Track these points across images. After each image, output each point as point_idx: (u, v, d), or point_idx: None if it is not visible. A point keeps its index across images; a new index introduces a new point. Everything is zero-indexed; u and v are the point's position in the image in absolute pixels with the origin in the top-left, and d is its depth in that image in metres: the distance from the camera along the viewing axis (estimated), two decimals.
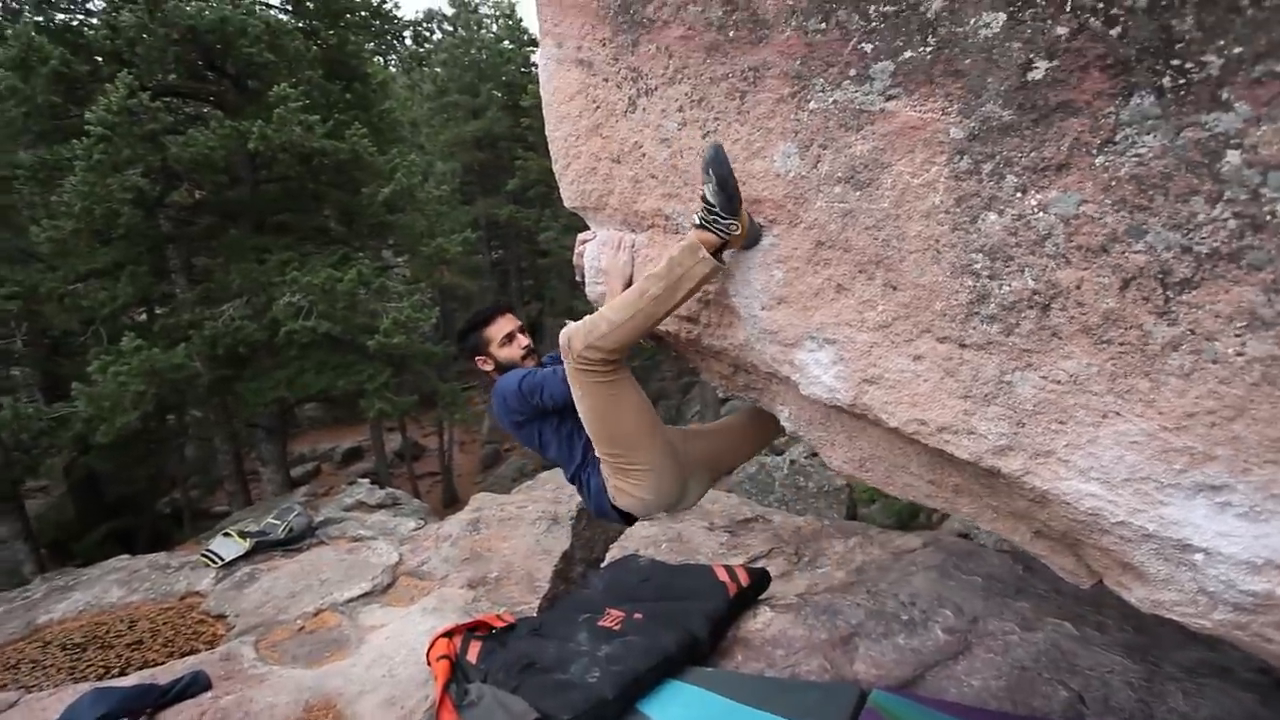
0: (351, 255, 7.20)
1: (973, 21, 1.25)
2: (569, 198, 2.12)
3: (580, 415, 1.84)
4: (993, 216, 1.21)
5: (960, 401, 1.24)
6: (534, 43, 16.72)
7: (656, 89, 1.78)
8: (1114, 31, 1.11)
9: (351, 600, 3.74)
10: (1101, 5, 1.12)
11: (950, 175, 1.26)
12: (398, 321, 6.41)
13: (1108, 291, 1.10)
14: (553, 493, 5.12)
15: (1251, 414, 0.98)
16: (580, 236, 2.17)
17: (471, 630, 2.88)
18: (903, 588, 3.09)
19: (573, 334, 1.73)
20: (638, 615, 3.01)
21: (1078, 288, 1.12)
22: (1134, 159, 1.09)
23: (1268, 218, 0.98)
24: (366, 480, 6.16)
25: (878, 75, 1.37)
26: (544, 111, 2.13)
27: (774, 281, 1.52)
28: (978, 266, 1.22)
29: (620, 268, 1.96)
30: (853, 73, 1.40)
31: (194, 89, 8.48)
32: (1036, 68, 1.18)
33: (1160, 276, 1.06)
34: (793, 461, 8.28)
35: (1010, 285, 1.19)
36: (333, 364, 7.32)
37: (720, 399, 11.22)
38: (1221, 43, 1.02)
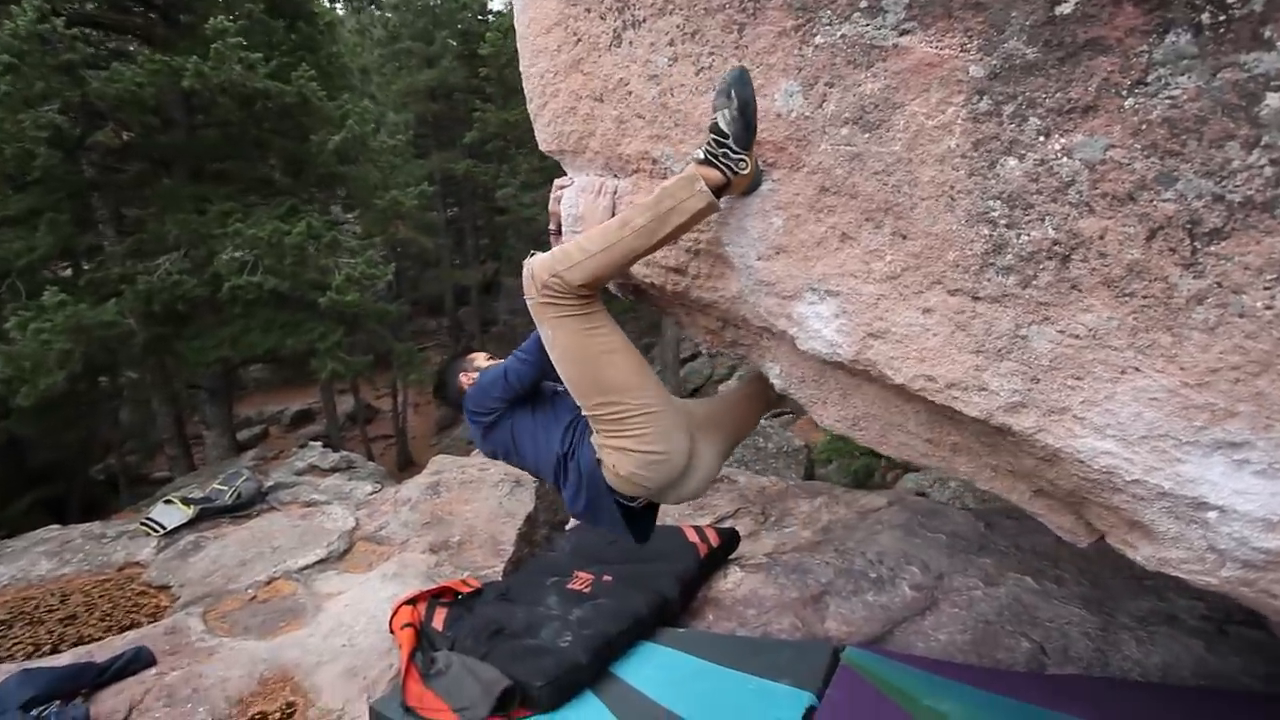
0: (300, 207, 6.74)
1: None
2: (545, 140, 1.97)
3: (556, 366, 1.64)
4: (1013, 162, 1.14)
5: (972, 356, 1.18)
6: None
7: (645, 20, 1.64)
8: None
9: (307, 567, 3.60)
10: None
11: (968, 117, 1.18)
12: (351, 278, 6.05)
13: (1133, 242, 1.05)
14: None
15: (1278, 369, 0.95)
16: (557, 182, 2.03)
17: (436, 596, 2.79)
18: (870, 546, 3.13)
19: (536, 263, 1.55)
20: (607, 578, 2.97)
21: (1101, 238, 1.07)
22: (1167, 101, 1.03)
23: None
24: (319, 444, 5.93)
25: (891, 7, 1.26)
26: (518, 45, 1.96)
27: (772, 229, 1.43)
28: (995, 214, 1.16)
29: (600, 214, 1.83)
30: (864, 4, 1.30)
31: (116, 21, 7.72)
32: (1065, 1, 1.10)
33: (1189, 226, 1.01)
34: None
35: (1029, 235, 1.13)
36: (280, 322, 6.93)
37: (679, 361, 11.15)
38: None
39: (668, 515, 3.98)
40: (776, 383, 1.70)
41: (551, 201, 2.03)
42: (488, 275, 14.59)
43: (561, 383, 1.70)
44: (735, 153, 1.35)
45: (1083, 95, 1.09)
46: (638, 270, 1.78)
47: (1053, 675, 2.10)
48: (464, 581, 2.96)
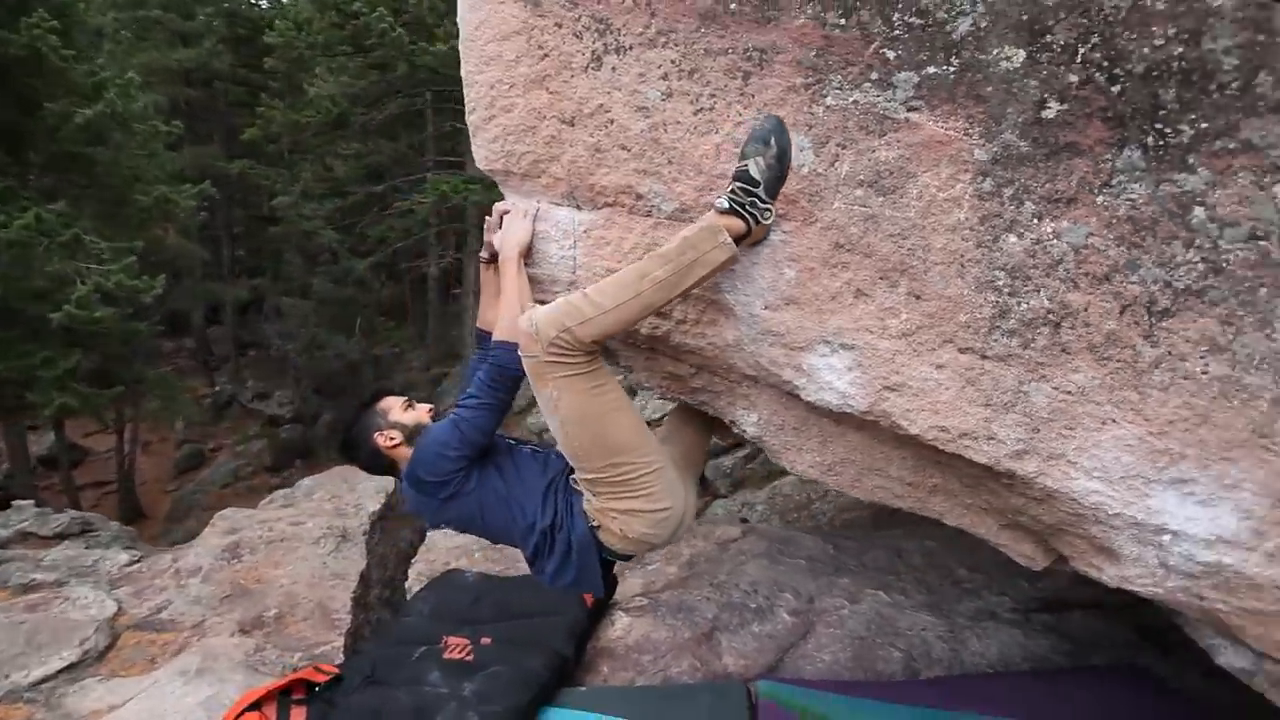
0: (19, 192, 5.03)
1: (995, 52, 1.33)
2: (487, 156, 1.76)
3: (560, 430, 1.49)
4: (1013, 238, 1.31)
5: (981, 409, 1.32)
6: None
7: (632, 48, 1.57)
8: (1115, 89, 1.27)
9: (47, 679, 2.64)
10: (1106, 63, 1.28)
11: (975, 194, 1.33)
12: (103, 290, 4.61)
13: (1109, 315, 1.26)
14: (330, 502, 4.32)
15: (1212, 421, 1.21)
16: (497, 207, 1.82)
17: (285, 693, 2.24)
18: (741, 577, 3.27)
19: (541, 319, 1.41)
20: (485, 640, 2.68)
21: (1085, 310, 1.27)
22: (1128, 202, 1.27)
23: (1224, 264, 1.22)
24: (30, 502, 4.39)
25: (900, 84, 1.38)
26: (461, 47, 1.74)
27: (784, 280, 1.44)
28: (1000, 283, 1.31)
29: (518, 235, 1.67)
30: (874, 76, 1.40)
31: None
32: (1050, 107, 1.30)
33: (1148, 305, 1.25)
34: None
35: (1028, 303, 1.30)
36: None
37: None
38: (1193, 116, 1.24)
39: (523, 561, 3.73)
40: (749, 430, 1.70)
41: (488, 228, 1.82)
42: (252, 292, 12.49)
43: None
44: (763, 202, 1.35)
45: (1066, 188, 1.29)
46: None
47: (937, 678, 2.39)
48: (315, 668, 2.41)
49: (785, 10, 1.45)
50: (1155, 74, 1.25)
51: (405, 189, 9.25)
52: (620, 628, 2.89)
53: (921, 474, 1.52)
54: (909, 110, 1.38)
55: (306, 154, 10.63)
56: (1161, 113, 1.25)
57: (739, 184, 1.35)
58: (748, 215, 1.35)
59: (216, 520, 3.98)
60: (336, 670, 2.41)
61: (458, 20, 1.74)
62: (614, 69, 1.59)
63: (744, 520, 6.04)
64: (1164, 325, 1.24)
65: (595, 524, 1.61)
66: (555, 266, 1.72)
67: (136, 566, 3.65)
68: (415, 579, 3.65)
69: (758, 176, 1.34)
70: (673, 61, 1.54)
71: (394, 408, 1.77)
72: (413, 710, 2.15)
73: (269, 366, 12.79)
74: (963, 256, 1.33)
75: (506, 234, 1.70)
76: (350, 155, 10.64)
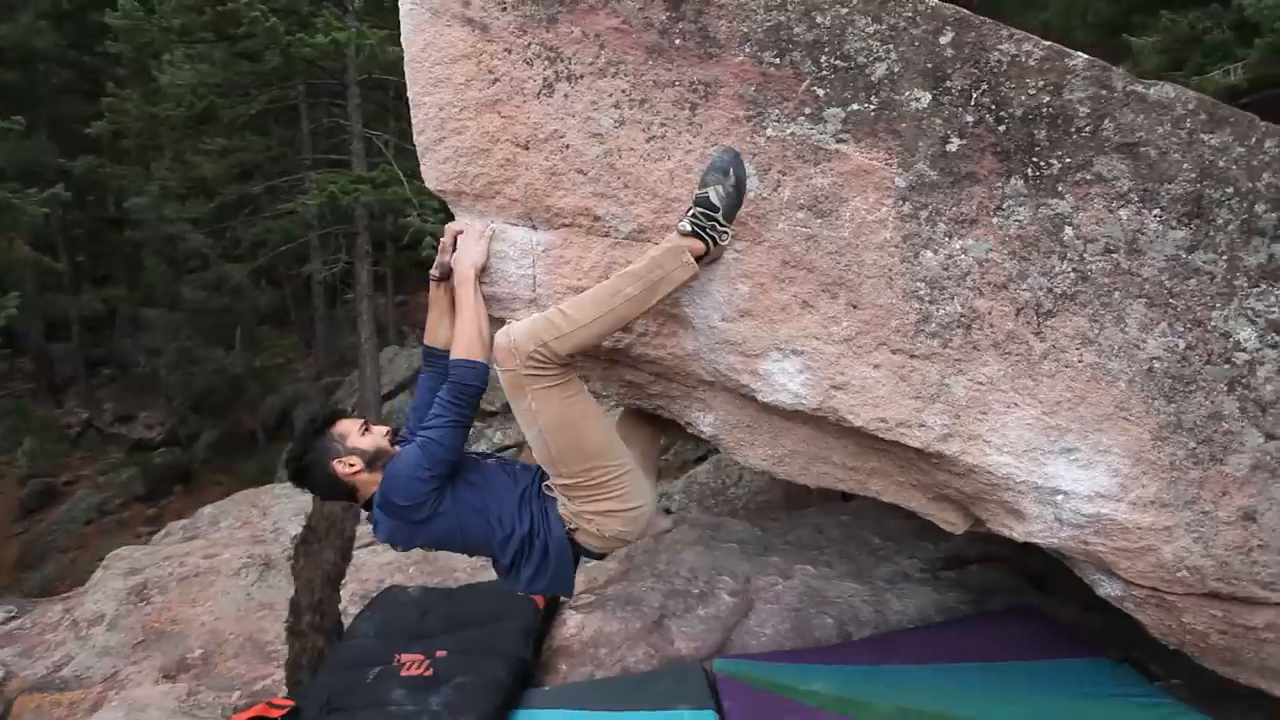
0: None
1: (906, 94, 1.54)
2: (438, 177, 1.77)
3: (539, 438, 1.56)
4: (930, 254, 1.53)
5: (913, 401, 1.53)
6: None
7: (583, 77, 1.65)
8: (1001, 128, 1.52)
9: None
10: (994, 107, 1.52)
11: (897, 216, 1.54)
12: None
13: (1008, 317, 1.51)
14: (243, 529, 4.04)
15: (1088, 400, 1.49)
16: (449, 227, 1.84)
17: None
18: (679, 565, 3.45)
19: (518, 334, 1.48)
20: (441, 653, 2.68)
21: (989, 313, 1.52)
22: (1016, 222, 1.52)
23: (1089, 273, 1.50)
24: None
25: (830, 119, 1.57)
26: (407, 68, 1.74)
27: (738, 295, 1.59)
28: (922, 293, 1.53)
29: (474, 255, 1.71)
30: (807, 111, 1.57)
31: None
32: (952, 142, 1.54)
33: (1036, 307, 1.51)
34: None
35: (945, 309, 1.52)
36: None
37: (379, 399, 10.25)
38: (1059, 152, 1.51)
39: (458, 571, 3.71)
40: (706, 430, 1.85)
41: (442, 248, 1.83)
42: (83, 309, 10.98)
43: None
44: (722, 225, 1.48)
45: (969, 211, 1.53)
46: None
47: (868, 638, 2.67)
48: (268, 704, 2.31)
49: (725, 48, 1.59)
50: (1030, 117, 1.51)
51: (286, 189, 8.62)
52: (573, 625, 2.98)
53: (861, 459, 1.73)
54: (838, 142, 1.56)
55: (162, 150, 9.59)
56: (1036, 149, 1.52)
57: (700, 209, 1.48)
58: (708, 238, 1.48)
59: (110, 561, 3.62)
60: (291, 703, 2.32)
61: (402, 41, 1.74)
62: (566, 96, 1.66)
63: (667, 511, 6.27)
64: (1049, 324, 1.51)
65: (572, 527, 1.68)
66: (515, 285, 1.78)
67: (17, 623, 3.26)
68: (350, 600, 3.53)
69: (717, 203, 1.47)
70: (623, 91, 1.64)
71: (351, 432, 1.71)
72: None
73: (130, 386, 11.46)
74: (890, 270, 1.53)
75: (462, 254, 1.73)
76: (215, 152, 9.75)
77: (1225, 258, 1.47)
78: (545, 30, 1.66)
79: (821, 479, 1.80)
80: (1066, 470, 1.50)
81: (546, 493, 1.72)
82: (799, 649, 2.65)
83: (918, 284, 1.53)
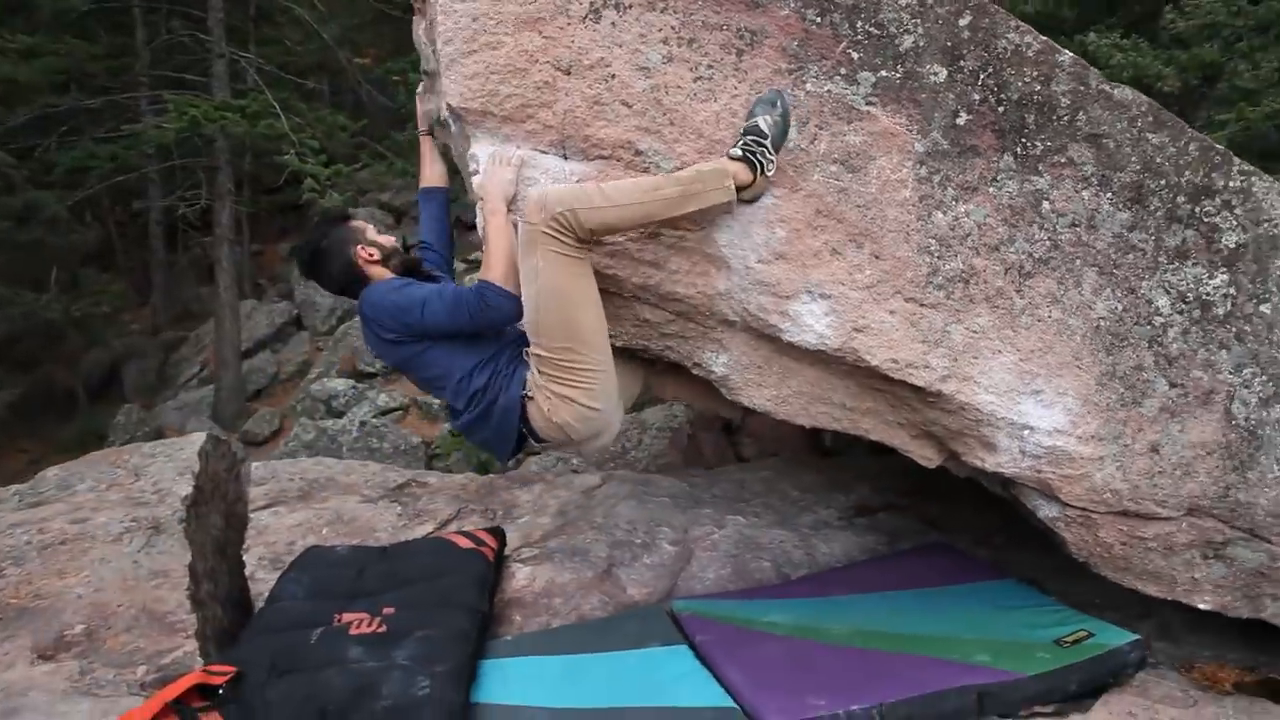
0: None
1: (928, 67, 1.70)
2: (463, 93, 1.67)
3: (533, 300, 1.61)
4: (940, 215, 1.71)
5: (920, 345, 1.71)
6: None
7: (632, 8, 1.64)
8: (1000, 109, 1.74)
9: None
10: (997, 89, 1.73)
11: (915, 178, 1.70)
12: None
13: (998, 275, 1.74)
14: (110, 491, 3.48)
15: (1053, 350, 1.76)
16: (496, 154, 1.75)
17: (181, 704, 1.87)
18: (617, 519, 3.52)
19: (551, 193, 1.54)
20: (388, 610, 2.54)
21: (984, 271, 1.73)
22: (1007, 193, 1.75)
23: (1060, 242, 1.76)
24: None
25: (862, 82, 1.69)
26: None
27: (775, 239, 1.67)
28: (932, 249, 1.71)
29: (503, 185, 1.69)
30: (843, 71, 1.68)
31: None
32: (961, 116, 1.72)
33: (1019, 268, 1.75)
34: (362, 423, 7.69)
35: (950, 265, 1.72)
36: None
37: (239, 355, 9.17)
38: (1043, 136, 1.76)
39: (378, 531, 3.50)
40: (717, 370, 1.92)
41: (419, 99, 2.10)
42: None
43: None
44: (770, 154, 1.55)
45: (972, 180, 1.73)
46: (601, 260, 1.73)
47: (804, 576, 2.91)
48: (206, 671, 2.03)
49: None
50: (1024, 102, 1.74)
51: (129, 107, 7.32)
52: (524, 577, 2.95)
53: (859, 400, 1.90)
54: (868, 104, 1.69)
55: None
56: (1025, 131, 1.75)
57: (750, 136, 1.55)
58: (756, 162, 1.55)
59: None
60: (232, 669, 2.08)
61: None
62: (614, 24, 1.63)
63: (575, 472, 6.29)
64: (1028, 284, 1.76)
65: (529, 394, 1.76)
66: None
67: None
68: (258, 566, 3.20)
69: (766, 130, 1.54)
70: (672, 28, 1.64)
71: (368, 228, 1.88)
72: (354, 689, 2.00)
73: None
74: (908, 226, 1.70)
75: (492, 181, 1.66)
76: (18, 51, 8.03)
77: (1153, 238, 1.80)
78: None
79: (818, 418, 1.95)
80: (1033, 409, 1.77)
81: (524, 357, 1.80)
82: (746, 588, 2.84)
83: (930, 240, 1.71)
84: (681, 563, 3.12)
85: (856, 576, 2.76)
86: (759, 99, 1.58)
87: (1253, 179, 1.82)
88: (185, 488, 3.46)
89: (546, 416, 1.76)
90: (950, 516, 3.48)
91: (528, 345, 1.77)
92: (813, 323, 1.70)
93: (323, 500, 3.70)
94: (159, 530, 3.10)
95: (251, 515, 3.55)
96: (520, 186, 1.70)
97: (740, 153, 1.55)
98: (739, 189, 1.57)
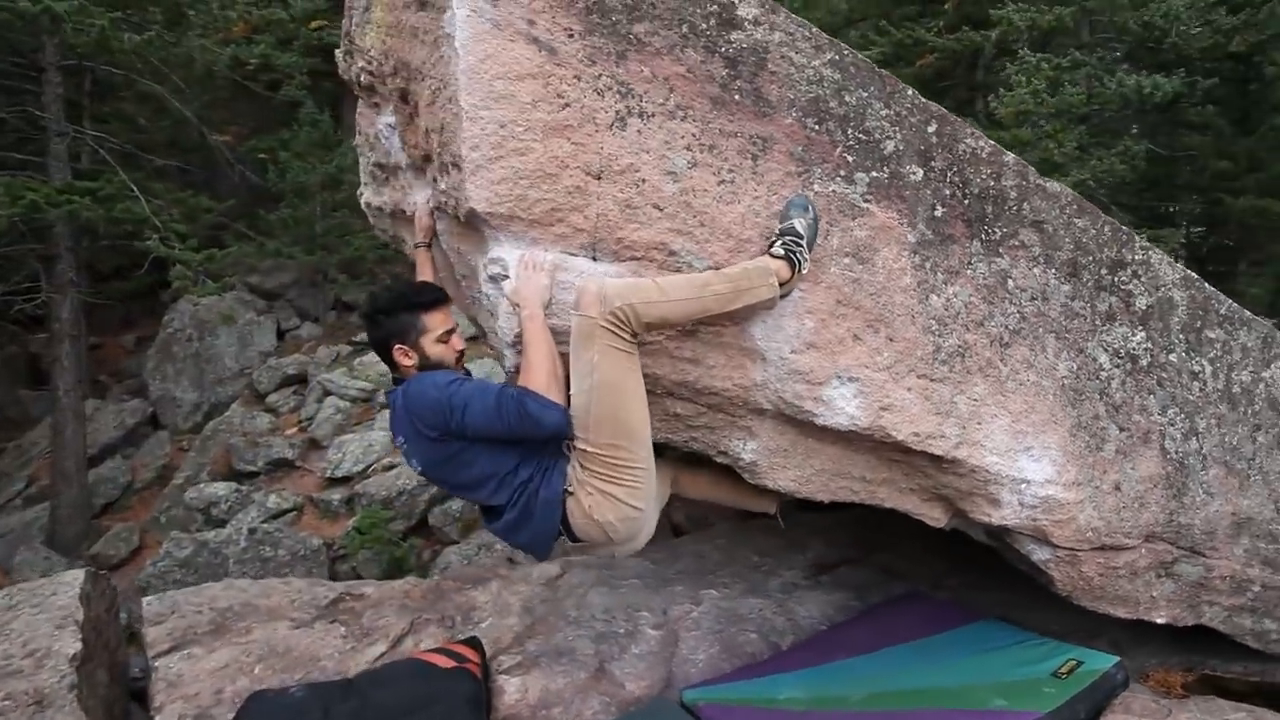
0: None
1: (908, 167, 1.92)
2: (489, 198, 1.62)
3: (588, 392, 1.58)
4: (935, 298, 1.90)
5: (935, 417, 1.85)
6: None
7: (655, 116, 1.70)
8: (966, 202, 1.98)
9: None
10: (962, 184, 1.98)
11: (912, 266, 1.88)
12: None
13: (986, 347, 1.94)
14: None
15: (1035, 410, 1.98)
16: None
17: None
18: (593, 608, 3.37)
19: (610, 287, 1.54)
20: None
21: (975, 344, 1.93)
22: (981, 274, 1.98)
23: (1025, 314, 2.01)
24: None
25: (859, 181, 1.86)
26: (461, 74, 1.58)
27: (805, 329, 1.76)
28: (934, 329, 1.88)
29: (539, 290, 1.65)
30: (842, 173, 1.85)
31: None
32: (938, 209, 1.95)
33: (1000, 340, 1.97)
34: (251, 530, 6.79)
35: (949, 341, 1.90)
36: None
37: (85, 464, 7.83)
38: (1000, 223, 2.02)
39: (322, 660, 3.08)
40: (746, 457, 1.93)
41: (424, 214, 1.97)
42: None
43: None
44: (806, 253, 1.66)
45: (955, 264, 1.94)
46: (645, 361, 1.71)
47: (797, 644, 2.92)
48: None
49: (776, 109, 1.79)
50: (982, 195, 2.00)
51: None
52: (514, 690, 2.71)
53: (876, 472, 2.00)
54: (865, 201, 1.86)
55: None
56: (986, 219, 2.00)
57: (789, 236, 1.64)
58: (797, 260, 1.64)
59: None
60: None
61: (457, 46, 1.57)
62: (639, 132, 1.68)
63: (511, 561, 5.93)
64: (1008, 352, 1.98)
65: (570, 490, 1.70)
66: None
67: None
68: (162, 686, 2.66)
69: (803, 231, 1.65)
70: (693, 135, 1.72)
71: (435, 330, 1.77)
72: None
73: None
74: (912, 310, 1.86)
75: (528, 286, 1.61)
76: None
77: (1089, 305, 2.11)
78: (615, 65, 1.67)
79: (838, 493, 2.02)
80: (1028, 464, 1.96)
81: (565, 450, 1.74)
82: (746, 665, 2.80)
83: (931, 320, 1.88)
84: (670, 647, 3.03)
85: (849, 638, 2.83)
86: (790, 202, 1.69)
87: (1149, 252, 2.21)
88: (71, 644, 2.85)
89: (588, 514, 1.70)
90: (903, 564, 3.69)
91: (569, 438, 1.73)
92: (844, 405, 1.79)
93: (245, 632, 3.20)
94: (44, 705, 2.52)
95: (156, 663, 2.98)
96: (558, 291, 1.66)
97: (782, 251, 1.64)
98: (781, 284, 1.65)
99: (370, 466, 7.34)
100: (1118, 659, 2.27)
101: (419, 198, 2.15)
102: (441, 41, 1.65)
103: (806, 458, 1.96)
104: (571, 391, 1.64)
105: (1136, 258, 2.17)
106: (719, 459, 1.98)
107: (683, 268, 1.72)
